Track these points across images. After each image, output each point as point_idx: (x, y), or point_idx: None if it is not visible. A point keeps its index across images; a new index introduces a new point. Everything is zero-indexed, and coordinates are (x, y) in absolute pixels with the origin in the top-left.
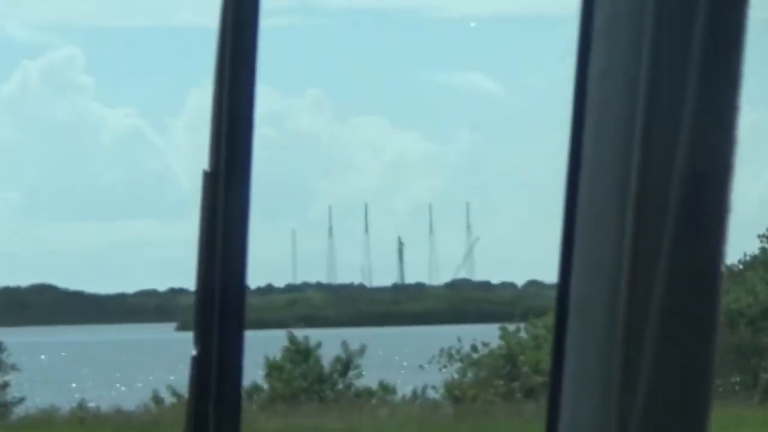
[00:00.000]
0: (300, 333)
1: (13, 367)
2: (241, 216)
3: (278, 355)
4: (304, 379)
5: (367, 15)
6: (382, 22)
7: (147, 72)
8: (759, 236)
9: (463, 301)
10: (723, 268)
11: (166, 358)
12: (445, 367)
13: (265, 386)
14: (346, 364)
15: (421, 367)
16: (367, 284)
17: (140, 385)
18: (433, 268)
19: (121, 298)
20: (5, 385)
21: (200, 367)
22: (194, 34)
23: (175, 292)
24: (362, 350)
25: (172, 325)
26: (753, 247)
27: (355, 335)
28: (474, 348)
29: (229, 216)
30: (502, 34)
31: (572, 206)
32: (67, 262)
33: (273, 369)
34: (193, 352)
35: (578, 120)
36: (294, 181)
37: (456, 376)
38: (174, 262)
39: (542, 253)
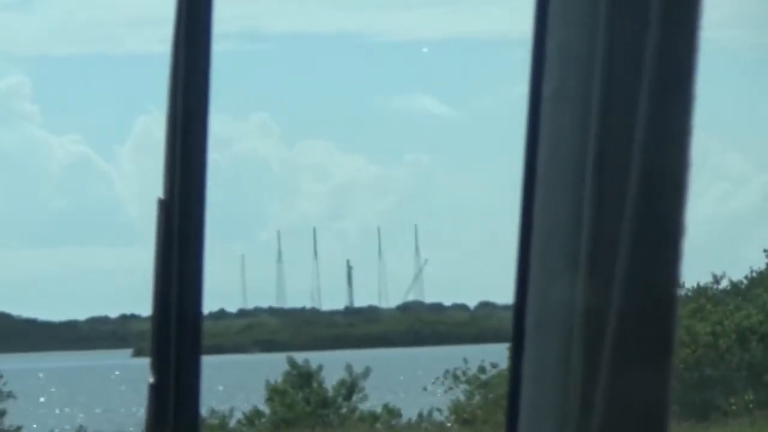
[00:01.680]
0: (258, 357)
1: (10, 395)
2: (196, 243)
3: (279, 379)
4: (307, 404)
5: (313, 39)
6: (328, 46)
7: (93, 99)
8: (766, 251)
9: (418, 324)
10: (678, 290)
11: (126, 383)
12: (450, 388)
13: (267, 411)
14: (350, 388)
15: (424, 389)
16: (317, 308)
17: (98, 410)
18: (382, 290)
19: (73, 325)
20: (2, 413)
21: (158, 394)
22: (141, 62)
23: (126, 319)
24: (366, 373)
25: (128, 351)
26: (760, 263)
27: (319, 359)
28: (482, 369)
29: (184, 243)
30: (451, 58)
31: (527, 229)
32: (19, 289)
33: (275, 393)
34: (150, 380)
35: (532, 141)
36: (242, 205)
37: (462, 398)
38: (124, 288)
39: (492, 275)
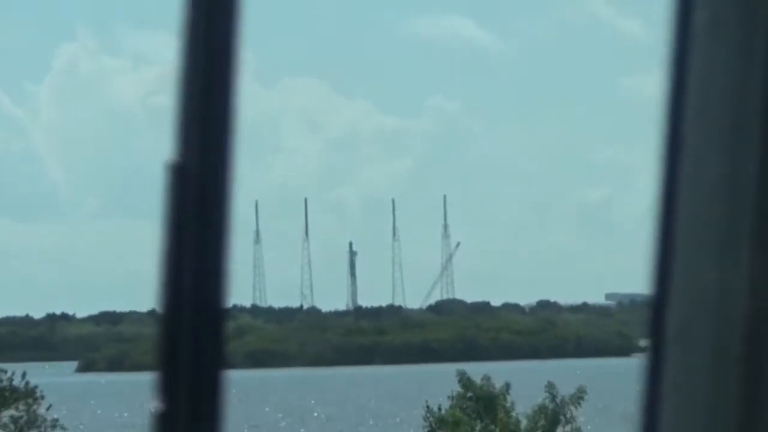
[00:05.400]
0: (255, 374)
1: (56, 425)
2: (219, 222)
3: (443, 403)
4: None
5: None
6: None
7: None
8: None
9: (473, 330)
10: None
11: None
12: None
13: None
14: (553, 417)
15: None
16: (316, 307)
17: None
18: (398, 284)
19: None
20: None
21: (166, 424)
22: None
23: (55, 320)
24: (580, 396)
25: (68, 365)
26: None
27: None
28: None
29: (203, 222)
30: None
31: (669, 199)
32: None
33: (442, 425)
34: (157, 406)
35: (677, 85)
36: None
37: None
38: (50, 279)
39: (549, 264)
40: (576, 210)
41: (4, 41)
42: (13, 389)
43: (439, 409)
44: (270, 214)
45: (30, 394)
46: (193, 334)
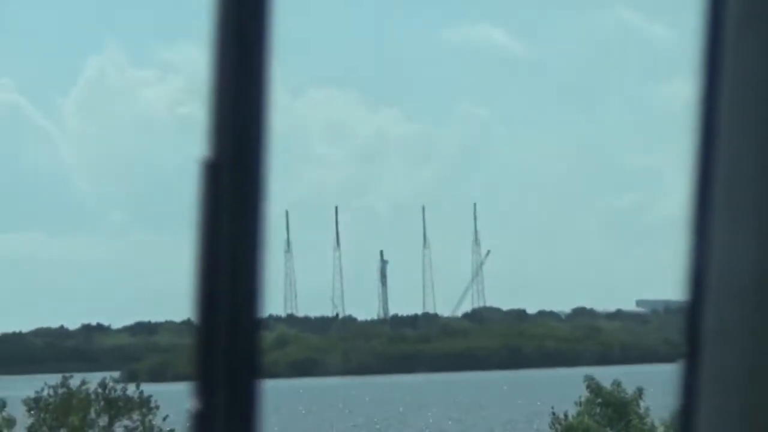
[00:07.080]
0: (299, 383)
1: None
2: (254, 223)
3: (570, 409)
4: None
5: None
6: None
7: (28, 33)
8: None
9: (517, 339)
10: None
11: None
12: None
13: None
14: None
15: None
16: (339, 314)
17: None
18: (429, 291)
19: (17, 339)
20: None
21: (205, 424)
22: None
23: (91, 331)
24: None
25: (108, 376)
26: None
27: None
28: None
29: (238, 223)
30: None
31: (704, 211)
32: None
33: None
34: (194, 407)
35: (711, 77)
36: None
37: None
38: (82, 289)
39: (575, 271)
40: (604, 217)
41: (32, 54)
42: (127, 399)
43: (565, 416)
44: (300, 224)
45: (144, 404)
46: (229, 341)
